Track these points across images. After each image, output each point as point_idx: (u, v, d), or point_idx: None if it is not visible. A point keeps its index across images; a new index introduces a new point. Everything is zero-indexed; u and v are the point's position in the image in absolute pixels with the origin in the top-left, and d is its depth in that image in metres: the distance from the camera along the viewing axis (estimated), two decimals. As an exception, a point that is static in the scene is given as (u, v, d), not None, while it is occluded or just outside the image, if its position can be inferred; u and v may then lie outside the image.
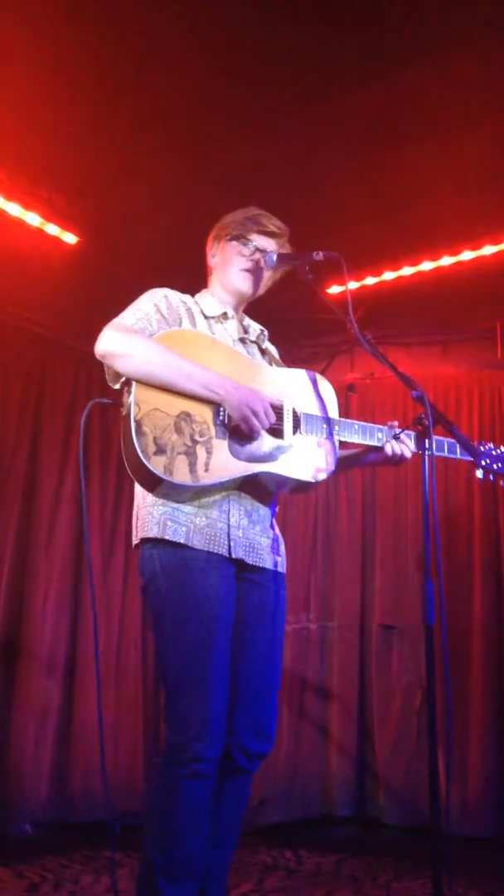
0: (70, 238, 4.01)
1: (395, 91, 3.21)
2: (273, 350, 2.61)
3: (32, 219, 3.86)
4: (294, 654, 4.83)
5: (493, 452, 2.53)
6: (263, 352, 2.57)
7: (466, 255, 4.20)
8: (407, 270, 4.38)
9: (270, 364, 2.55)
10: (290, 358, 5.12)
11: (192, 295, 2.53)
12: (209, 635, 2.19)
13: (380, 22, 2.88)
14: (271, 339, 2.63)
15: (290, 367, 2.53)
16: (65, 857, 3.87)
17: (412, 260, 4.33)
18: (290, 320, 4.78)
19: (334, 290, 4.30)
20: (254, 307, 2.67)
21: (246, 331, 2.56)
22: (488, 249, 4.13)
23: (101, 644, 4.73)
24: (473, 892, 3.37)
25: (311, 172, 3.68)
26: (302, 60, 3.06)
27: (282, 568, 2.44)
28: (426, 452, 2.20)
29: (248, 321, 2.60)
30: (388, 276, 4.43)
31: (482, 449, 2.52)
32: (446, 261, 4.26)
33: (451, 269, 4.29)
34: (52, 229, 3.94)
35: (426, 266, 4.32)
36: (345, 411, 5.06)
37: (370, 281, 4.47)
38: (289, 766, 4.70)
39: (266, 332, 2.61)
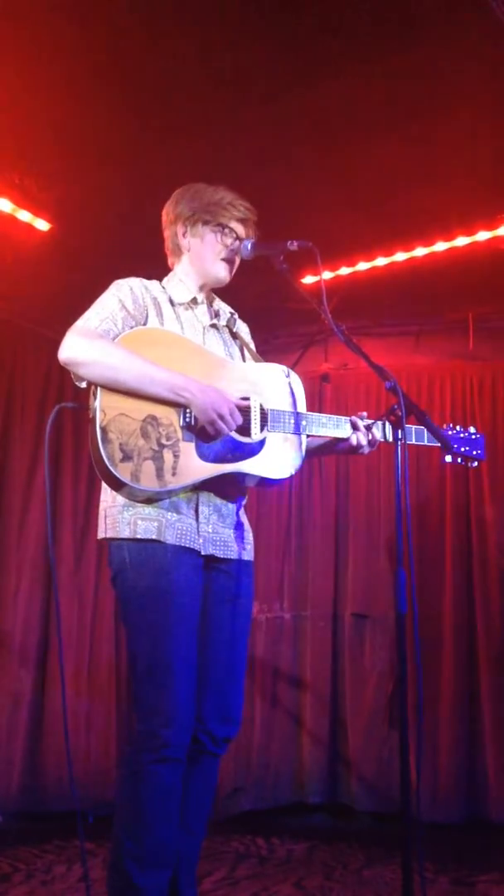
0: (42, 224, 3.97)
1: (366, 80, 3.19)
2: (244, 331, 2.61)
3: (4, 205, 3.81)
4: (267, 643, 4.85)
5: (461, 435, 2.56)
6: (234, 335, 2.56)
7: (440, 246, 4.20)
8: (381, 261, 4.38)
9: (242, 349, 2.54)
10: (265, 348, 5.11)
11: (160, 279, 2.50)
12: (175, 624, 2.22)
13: (350, 10, 2.86)
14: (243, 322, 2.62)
15: (258, 359, 2.53)
16: (37, 847, 3.86)
17: (386, 250, 4.33)
18: (264, 310, 4.77)
19: (308, 279, 4.30)
20: (227, 297, 2.67)
21: (216, 315, 2.54)
22: (461, 240, 4.14)
23: (73, 634, 4.73)
24: (443, 878, 3.41)
25: (286, 161, 3.66)
26: (273, 49, 3.04)
27: (249, 556, 2.46)
28: (398, 442, 2.21)
29: (217, 304, 2.58)
30: (363, 266, 4.43)
31: (449, 433, 2.56)
32: (420, 251, 4.26)
33: (424, 259, 4.30)
34: (24, 216, 3.89)
35: (400, 257, 4.33)
36: (319, 401, 5.11)
37: (344, 271, 4.47)
38: (261, 755, 4.73)
39: (236, 315, 2.60)
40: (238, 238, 2.47)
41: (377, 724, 4.65)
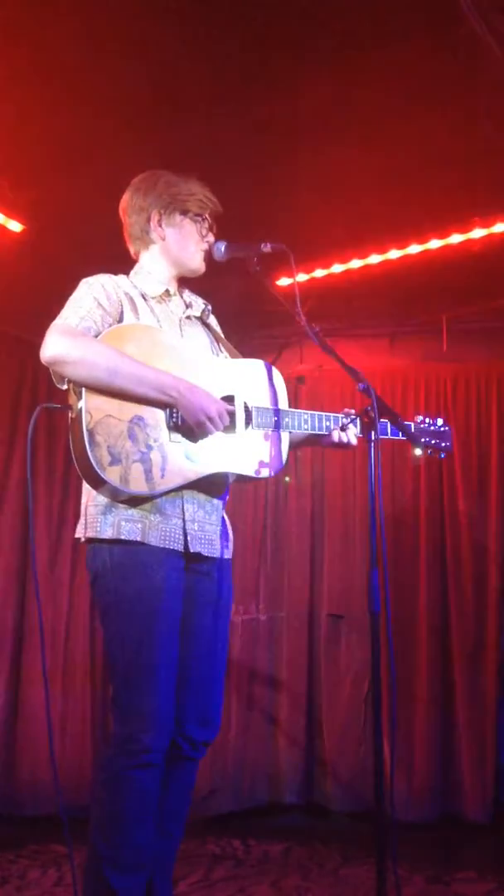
0: (15, 226, 3.94)
1: (340, 82, 3.20)
2: (215, 324, 2.59)
3: (-24, 206, 3.79)
4: (243, 644, 4.85)
5: (430, 428, 2.59)
6: (207, 326, 2.54)
7: (413, 249, 4.23)
8: (355, 263, 4.40)
9: (217, 343, 2.52)
10: (240, 350, 5.12)
11: (126, 274, 2.46)
12: (157, 629, 2.20)
13: (319, 17, 2.88)
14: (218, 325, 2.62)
15: (233, 351, 2.52)
16: (11, 853, 3.83)
17: (360, 252, 4.35)
18: (239, 312, 4.76)
19: (284, 281, 4.30)
20: (202, 298, 2.66)
21: (189, 306, 2.51)
22: (434, 243, 4.17)
23: (47, 637, 4.69)
24: (418, 877, 3.43)
25: (260, 164, 3.67)
26: (247, 52, 3.05)
27: (230, 555, 2.45)
28: (371, 444, 2.22)
29: (187, 295, 2.53)
30: (337, 268, 4.45)
31: (421, 425, 2.59)
32: (394, 254, 4.29)
33: (398, 262, 4.33)
34: (-3, 216, 3.88)
35: (374, 259, 4.35)
36: (294, 403, 5.08)
37: (319, 273, 4.48)
38: (237, 756, 4.72)
39: (210, 307, 2.57)
40: (211, 228, 2.46)
41: (353, 724, 4.67)
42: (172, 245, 2.44)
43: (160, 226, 2.44)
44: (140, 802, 2.16)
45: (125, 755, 2.14)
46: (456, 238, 4.12)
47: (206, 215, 2.45)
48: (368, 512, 2.17)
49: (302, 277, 4.46)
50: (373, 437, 2.23)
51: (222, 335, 2.58)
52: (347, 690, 4.73)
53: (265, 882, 3.41)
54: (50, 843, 3.93)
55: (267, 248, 2.39)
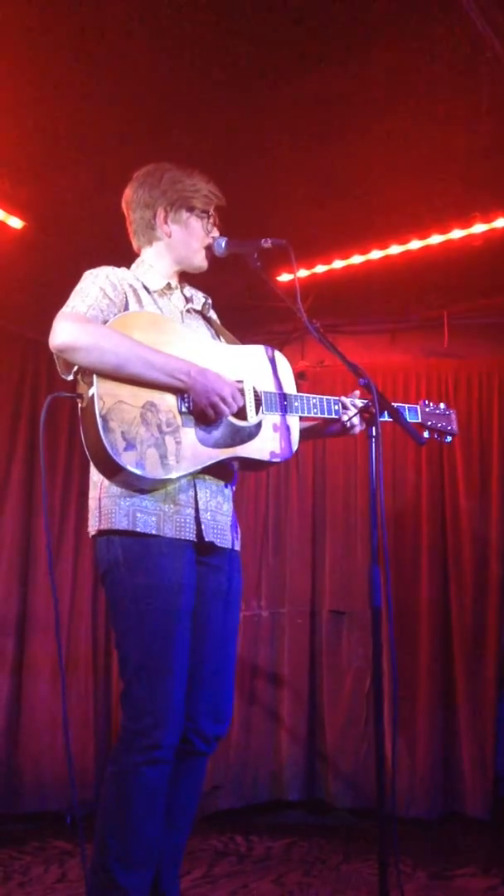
0: (15, 222, 3.94)
1: (340, 78, 3.20)
2: (216, 319, 2.58)
3: (-23, 203, 3.79)
4: (245, 640, 4.85)
5: (435, 412, 2.60)
6: (208, 321, 2.53)
7: (414, 245, 4.22)
8: (357, 259, 4.40)
9: (217, 335, 2.51)
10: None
11: (128, 267, 2.45)
12: (171, 623, 2.18)
13: (324, 8, 2.87)
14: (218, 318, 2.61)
15: (236, 343, 2.51)
16: (14, 849, 3.83)
17: (361, 248, 4.34)
18: (240, 308, 4.77)
19: (284, 277, 4.30)
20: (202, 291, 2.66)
21: (189, 300, 2.50)
22: (435, 239, 4.16)
23: (50, 632, 4.69)
24: (421, 873, 3.43)
25: (262, 159, 3.66)
26: (247, 47, 3.04)
27: (238, 546, 2.43)
28: (373, 440, 2.22)
29: (188, 289, 2.53)
30: (338, 264, 4.44)
31: (426, 410, 2.60)
32: (395, 250, 4.28)
33: (399, 258, 4.32)
34: (-3, 213, 3.87)
35: (375, 255, 4.34)
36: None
37: (320, 269, 4.48)
38: (239, 752, 4.73)
39: (210, 301, 2.56)
40: (215, 226, 2.45)
41: (355, 720, 4.67)
42: (178, 242, 2.43)
43: (166, 223, 2.43)
44: (149, 799, 2.15)
45: (136, 751, 2.13)
46: (457, 234, 4.12)
47: (211, 210, 2.45)
48: (370, 507, 2.17)
49: (302, 273, 4.45)
50: (374, 434, 2.22)
51: (222, 327, 2.57)
52: (349, 687, 4.73)
53: (268, 878, 3.41)
54: (52, 839, 3.93)
55: (267, 243, 2.38)
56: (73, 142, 3.49)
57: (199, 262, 2.46)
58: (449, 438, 2.64)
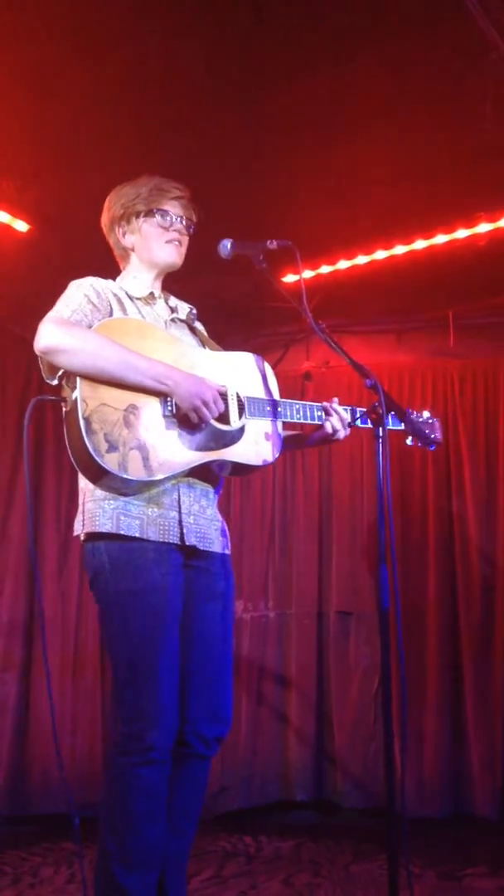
0: (21, 226, 3.96)
1: (345, 78, 3.21)
2: (202, 329, 2.60)
3: (-18, 207, 3.81)
4: (252, 641, 4.86)
5: (419, 420, 2.60)
6: (193, 331, 2.55)
7: (419, 244, 4.23)
8: (361, 259, 4.40)
9: (203, 345, 2.53)
10: (246, 347, 5.11)
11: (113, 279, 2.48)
12: (159, 627, 2.20)
13: (326, 10, 2.88)
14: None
15: (227, 349, 2.53)
16: (24, 850, 3.85)
17: (366, 248, 4.35)
18: (246, 309, 4.78)
19: (289, 278, 4.31)
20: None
21: (174, 310, 2.53)
22: (441, 238, 4.17)
23: (58, 636, 4.71)
24: (430, 872, 3.43)
25: (265, 160, 3.67)
26: (253, 48, 3.05)
27: (227, 549, 2.44)
28: (380, 440, 2.22)
29: (173, 300, 2.56)
30: (343, 264, 4.45)
31: (410, 417, 2.59)
32: (400, 249, 4.29)
33: (404, 257, 4.33)
34: (3, 217, 3.88)
35: (380, 255, 4.35)
36: (301, 399, 5.11)
37: (325, 269, 4.48)
38: (248, 753, 4.73)
39: (195, 311, 2.58)
40: (176, 218, 2.44)
41: (363, 720, 4.67)
42: (140, 250, 2.47)
43: (125, 237, 2.48)
44: (148, 799, 2.16)
45: (131, 754, 2.15)
46: (462, 233, 4.12)
47: (164, 206, 2.44)
48: (377, 508, 2.17)
49: (308, 274, 4.46)
50: (381, 434, 2.22)
51: (208, 338, 2.59)
52: (356, 687, 4.73)
53: (277, 879, 3.42)
54: (62, 840, 3.94)
55: (273, 245, 2.39)
56: (79, 146, 3.50)
57: (166, 257, 2.46)
58: (433, 447, 2.62)
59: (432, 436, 2.60)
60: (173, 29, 2.96)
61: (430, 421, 2.61)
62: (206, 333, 2.59)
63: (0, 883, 3.38)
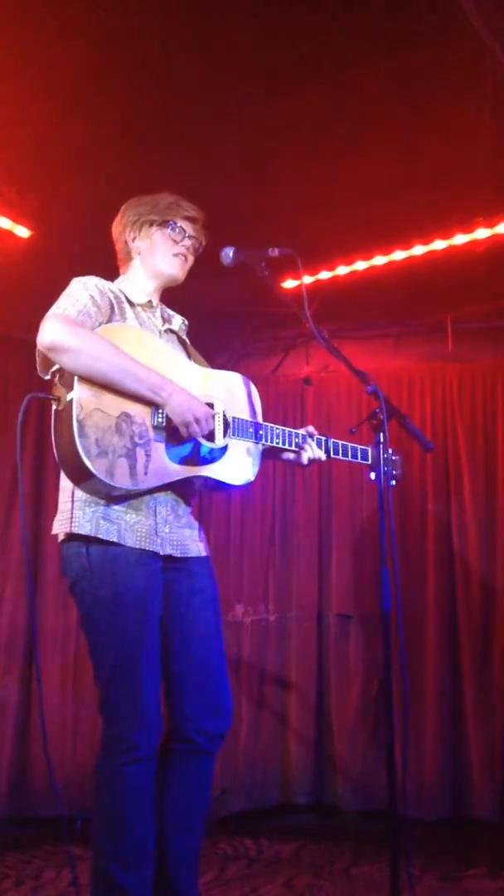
0: (22, 231, 3.98)
1: (345, 87, 3.23)
2: (189, 343, 2.63)
3: (-16, 213, 3.83)
4: (253, 645, 4.88)
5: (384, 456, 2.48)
6: (183, 343, 2.58)
7: (418, 250, 4.25)
8: (360, 265, 4.43)
9: (190, 358, 2.56)
10: (244, 353, 5.15)
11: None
12: (140, 629, 2.24)
13: (329, 20, 2.90)
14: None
15: (217, 368, 2.57)
16: (26, 853, 3.86)
17: (365, 254, 4.37)
18: (246, 314, 4.81)
19: (289, 283, 4.33)
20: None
21: (167, 320, 2.56)
22: (438, 244, 4.19)
23: (59, 638, 4.72)
24: (430, 874, 3.45)
25: (264, 168, 3.69)
26: (253, 58, 3.07)
27: (205, 552, 2.47)
28: (381, 447, 2.25)
29: (167, 311, 2.60)
30: (342, 270, 4.47)
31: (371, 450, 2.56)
32: (398, 255, 4.31)
33: (402, 263, 4.35)
34: (4, 223, 3.90)
35: (379, 260, 4.37)
36: (301, 404, 5.15)
37: (324, 275, 4.50)
38: (248, 756, 4.75)
39: (186, 323, 2.62)
40: (187, 235, 2.49)
41: (362, 723, 4.69)
42: (146, 257, 2.51)
43: (134, 242, 2.53)
44: (137, 798, 2.20)
45: (118, 754, 2.19)
46: (460, 238, 4.14)
47: (178, 221, 2.49)
48: (376, 513, 2.19)
49: (307, 280, 4.47)
50: (381, 440, 2.25)
51: (195, 351, 2.62)
52: (357, 690, 4.75)
53: (278, 881, 3.43)
54: (63, 843, 3.95)
55: (275, 252, 2.42)
56: (81, 152, 3.52)
57: (170, 270, 2.51)
58: (393, 482, 2.57)
59: (395, 472, 2.56)
60: (179, 44, 2.98)
61: (394, 459, 2.55)
62: (192, 348, 2.62)
63: (2, 886, 3.40)
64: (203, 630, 2.38)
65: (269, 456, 2.60)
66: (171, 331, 2.55)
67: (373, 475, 2.54)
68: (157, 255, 2.49)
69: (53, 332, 2.18)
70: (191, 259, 2.53)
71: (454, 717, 4.59)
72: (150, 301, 2.51)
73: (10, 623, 4.65)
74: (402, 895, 2.09)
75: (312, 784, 4.75)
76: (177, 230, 2.49)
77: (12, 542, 4.71)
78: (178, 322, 2.59)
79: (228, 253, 2.47)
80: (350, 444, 2.60)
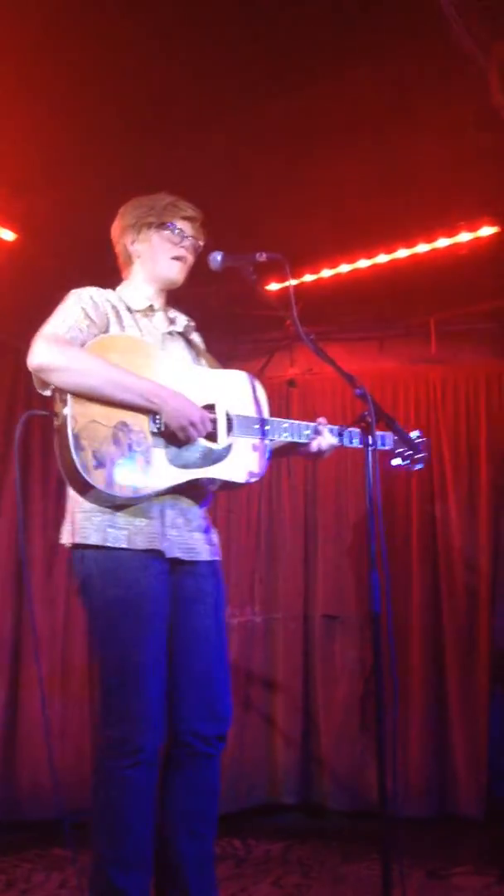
0: (8, 235, 3.98)
1: (329, 89, 3.26)
2: (199, 341, 2.65)
3: (-31, 216, 3.83)
4: (239, 646, 4.89)
5: (407, 439, 2.60)
6: (190, 343, 2.59)
7: (401, 253, 4.29)
8: (344, 268, 4.46)
9: (198, 357, 2.57)
10: (230, 355, 5.16)
11: (113, 289, 2.52)
12: (144, 632, 2.25)
13: (314, 24, 2.93)
14: (207, 334, 2.67)
15: (217, 366, 2.57)
16: (15, 857, 3.86)
17: (349, 257, 4.41)
18: (229, 317, 4.82)
19: (273, 286, 4.35)
20: (191, 306, 2.70)
21: (172, 322, 2.57)
22: (422, 247, 4.23)
23: (45, 641, 4.72)
24: (418, 872, 3.48)
25: (249, 171, 3.71)
26: (237, 62, 3.09)
27: (216, 556, 2.48)
28: (369, 448, 2.27)
29: (172, 312, 2.60)
30: (326, 273, 4.50)
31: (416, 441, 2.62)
32: (382, 258, 4.35)
33: (386, 266, 4.39)
34: (-10, 226, 3.91)
35: (362, 263, 4.41)
36: (286, 406, 5.17)
37: (309, 278, 4.53)
38: (235, 757, 4.75)
39: (193, 323, 2.63)
40: (186, 236, 2.50)
41: (349, 723, 4.72)
42: (146, 260, 2.52)
43: (133, 244, 2.54)
44: (137, 800, 2.20)
45: (119, 756, 2.19)
46: (443, 242, 4.19)
47: (177, 222, 2.50)
48: (361, 514, 2.22)
49: (291, 282, 4.49)
50: (370, 442, 2.27)
51: (205, 350, 2.63)
52: (343, 690, 4.78)
53: (267, 881, 3.45)
54: (52, 846, 3.95)
55: (262, 257, 2.44)
56: (67, 155, 3.53)
57: (169, 273, 2.52)
58: (418, 466, 2.66)
59: (418, 455, 2.63)
60: (166, 47, 3.00)
61: (419, 440, 2.64)
62: (202, 346, 2.63)
63: (-8, 889, 3.40)
64: (205, 633, 2.39)
65: (285, 452, 2.61)
66: (177, 333, 2.56)
67: (396, 461, 2.57)
68: (157, 258, 2.50)
69: (40, 353, 2.21)
70: (191, 259, 2.54)
71: (439, 715, 4.63)
72: (151, 306, 2.51)
73: (-1, 626, 4.64)
74: (393, 892, 2.11)
75: (299, 784, 4.77)
76: (176, 232, 2.49)
77: (-2, 546, 4.70)
78: (182, 323, 2.59)
79: (217, 257, 2.48)
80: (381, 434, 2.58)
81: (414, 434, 2.66)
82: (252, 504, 5.08)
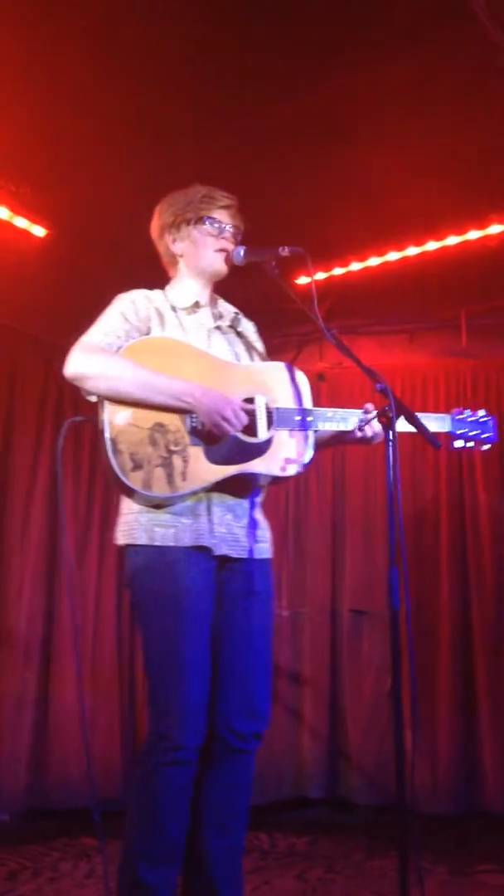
0: (39, 231, 4.01)
1: (356, 82, 3.23)
2: (250, 330, 2.65)
3: (1, 212, 3.86)
4: (266, 640, 4.89)
5: (469, 419, 2.60)
6: (239, 334, 2.60)
7: (431, 246, 4.25)
8: (374, 261, 4.43)
9: (248, 350, 2.58)
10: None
11: (162, 288, 2.54)
12: (187, 628, 2.26)
13: (338, 18, 2.91)
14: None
15: (265, 357, 2.58)
16: (43, 845, 3.91)
17: (378, 251, 4.38)
18: (258, 311, 4.80)
19: (303, 280, 4.34)
20: (222, 298, 2.70)
21: (220, 317, 2.57)
22: (452, 240, 4.19)
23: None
24: (441, 868, 3.47)
25: (279, 164, 3.70)
26: (263, 54, 3.09)
27: (264, 554, 2.47)
28: (390, 444, 2.26)
29: (220, 306, 2.61)
30: (356, 266, 4.47)
31: (458, 417, 2.62)
32: (412, 251, 4.31)
33: (416, 259, 4.35)
34: (21, 222, 3.93)
35: (392, 256, 4.37)
36: (315, 400, 5.13)
37: (338, 271, 4.51)
38: (263, 750, 4.65)
39: (240, 314, 2.63)
40: (225, 226, 2.50)
41: (376, 718, 4.70)
42: (189, 257, 2.53)
43: (175, 244, 2.55)
44: (173, 798, 2.22)
45: (159, 752, 2.21)
46: (473, 234, 4.14)
47: (214, 214, 2.50)
48: (388, 509, 2.21)
49: (320, 276, 4.48)
50: (390, 437, 2.26)
51: (258, 343, 2.64)
52: (370, 685, 4.77)
53: (290, 874, 3.47)
54: (80, 835, 4.00)
55: (285, 251, 2.43)
56: (96, 152, 3.55)
57: (214, 266, 2.52)
58: (486, 446, 2.63)
59: (483, 436, 2.60)
60: (193, 41, 3.00)
61: (484, 419, 2.61)
62: (253, 336, 2.63)
63: (20, 877, 3.45)
64: (247, 633, 2.38)
65: (332, 443, 2.58)
66: (226, 326, 2.57)
67: (458, 443, 2.57)
68: (199, 253, 2.50)
69: (73, 363, 2.28)
70: (233, 248, 2.51)
71: (467, 712, 4.60)
72: (196, 302, 2.51)
73: (28, 619, 4.70)
74: (412, 889, 2.10)
75: (326, 778, 4.77)
76: (215, 224, 2.50)
77: (30, 542, 4.76)
78: (229, 315, 2.59)
79: (240, 252, 2.49)
80: (429, 414, 2.57)
81: (480, 413, 2.62)
82: (279, 499, 5.07)
